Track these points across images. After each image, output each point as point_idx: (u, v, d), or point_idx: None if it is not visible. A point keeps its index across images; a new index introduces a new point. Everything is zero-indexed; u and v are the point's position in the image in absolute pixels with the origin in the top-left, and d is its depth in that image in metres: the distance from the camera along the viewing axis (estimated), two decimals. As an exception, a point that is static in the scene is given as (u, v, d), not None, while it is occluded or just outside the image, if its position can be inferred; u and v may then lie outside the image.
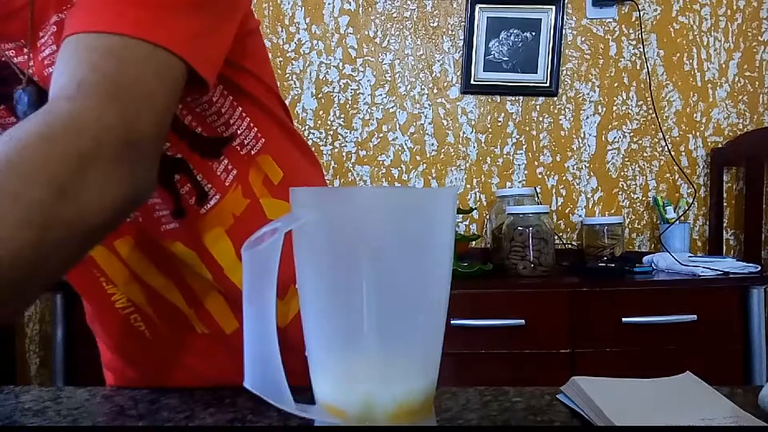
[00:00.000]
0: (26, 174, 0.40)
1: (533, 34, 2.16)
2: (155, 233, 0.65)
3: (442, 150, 2.20)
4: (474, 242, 2.11)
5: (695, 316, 1.65)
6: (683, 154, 2.20)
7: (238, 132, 0.66)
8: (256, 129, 0.67)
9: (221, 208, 0.65)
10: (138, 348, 0.72)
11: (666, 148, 2.17)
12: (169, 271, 0.68)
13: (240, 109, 0.66)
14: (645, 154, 2.20)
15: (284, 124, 0.73)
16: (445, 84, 2.20)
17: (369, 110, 2.20)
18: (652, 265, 1.90)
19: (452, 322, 1.61)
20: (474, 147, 2.20)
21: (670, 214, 2.05)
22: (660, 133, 2.17)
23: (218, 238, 0.66)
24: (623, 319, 1.65)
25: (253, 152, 0.68)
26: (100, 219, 0.43)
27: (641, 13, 2.17)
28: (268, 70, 0.72)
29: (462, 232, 2.19)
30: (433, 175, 2.20)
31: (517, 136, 2.20)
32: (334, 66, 2.20)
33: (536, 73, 2.17)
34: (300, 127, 2.20)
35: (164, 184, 0.63)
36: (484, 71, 2.17)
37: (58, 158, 0.41)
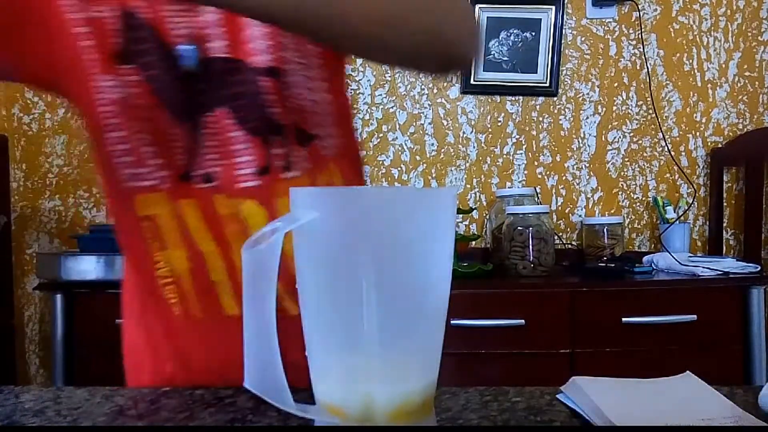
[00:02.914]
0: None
1: (533, 34, 2.16)
2: (228, 191, 0.68)
3: (442, 150, 2.20)
4: (474, 242, 2.11)
5: (695, 316, 1.65)
6: (683, 154, 2.20)
7: (320, 133, 0.71)
8: (335, 138, 0.73)
9: (301, 182, 0.69)
10: (161, 325, 0.74)
11: (666, 148, 2.17)
12: (220, 239, 0.69)
13: (332, 117, 0.72)
14: (645, 154, 2.20)
15: (355, 139, 0.79)
16: (445, 84, 2.20)
17: (369, 110, 2.20)
18: (652, 265, 1.90)
19: (452, 322, 1.61)
20: (474, 147, 2.20)
21: (670, 214, 2.05)
22: (660, 133, 2.17)
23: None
24: (623, 319, 1.65)
25: (327, 156, 0.72)
26: (451, 38, 0.58)
27: (641, 13, 2.17)
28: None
29: (462, 232, 2.19)
30: (433, 175, 2.20)
31: (517, 136, 2.20)
32: (334, 66, 2.20)
33: (536, 73, 2.17)
34: (300, 127, 2.19)
35: (263, 139, 0.67)
36: (484, 71, 2.17)
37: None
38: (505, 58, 2.17)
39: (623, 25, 2.19)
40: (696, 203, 2.18)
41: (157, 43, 0.65)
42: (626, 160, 2.20)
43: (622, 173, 2.20)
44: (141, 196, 0.69)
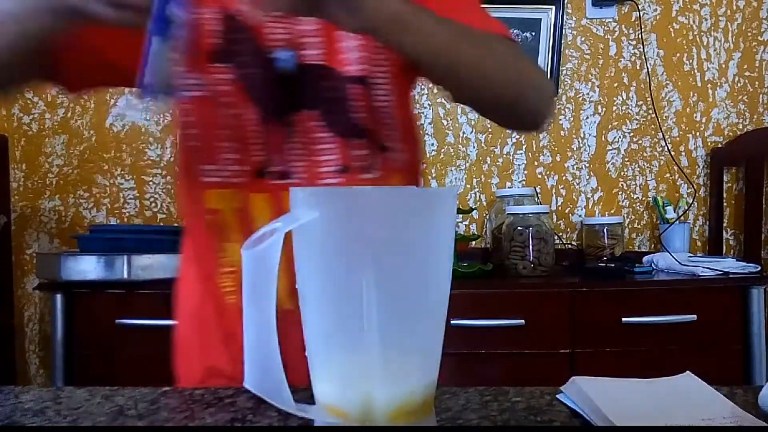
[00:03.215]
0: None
1: (533, 34, 2.16)
2: (314, 185, 0.73)
3: (442, 150, 2.20)
4: (474, 242, 2.11)
5: (695, 316, 1.65)
6: (683, 154, 2.20)
7: (391, 146, 0.76)
8: (404, 153, 0.78)
9: (378, 184, 0.75)
10: (214, 313, 0.77)
11: (666, 148, 2.17)
12: None
13: (401, 132, 0.77)
14: (645, 154, 2.20)
15: (420, 158, 0.84)
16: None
17: (369, 110, 2.20)
18: (652, 265, 1.89)
19: (452, 322, 1.60)
20: (474, 147, 2.20)
21: (670, 214, 2.05)
22: (660, 133, 2.17)
23: None
24: (623, 319, 1.65)
25: (396, 168, 0.77)
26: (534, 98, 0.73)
27: (641, 13, 2.17)
28: None
29: (462, 232, 2.19)
30: (433, 175, 2.20)
31: (517, 136, 2.20)
32: (334, 66, 2.20)
33: (536, 73, 2.17)
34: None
35: (346, 141, 0.73)
36: (484, 71, 2.17)
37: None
38: (505, 58, 2.17)
39: (623, 25, 2.19)
40: (696, 203, 2.18)
41: (254, 45, 0.71)
42: (626, 160, 2.20)
43: (622, 173, 2.20)
44: (210, 191, 0.74)
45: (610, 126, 2.20)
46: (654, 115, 2.16)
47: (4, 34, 0.60)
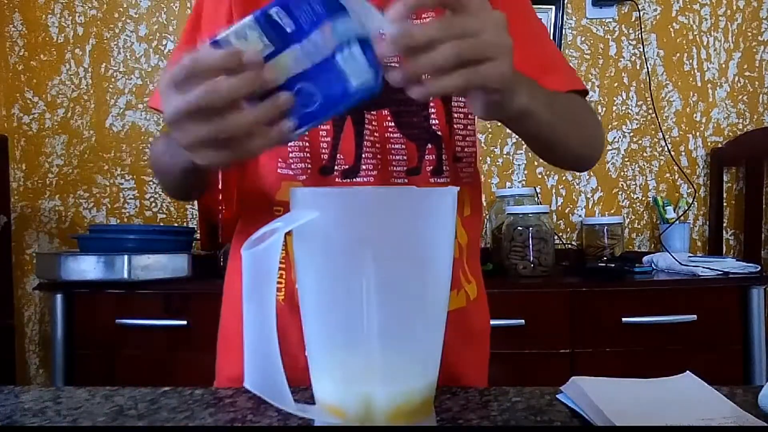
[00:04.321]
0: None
1: (533, 34, 2.16)
2: (383, 184, 0.75)
3: (442, 150, 2.20)
4: (474, 242, 2.11)
5: (695, 316, 1.65)
6: (683, 154, 2.20)
7: (464, 159, 0.78)
8: (471, 167, 0.79)
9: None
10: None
11: (666, 148, 2.16)
12: None
13: (471, 148, 0.80)
14: (645, 154, 2.20)
15: (480, 175, 0.86)
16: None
17: (369, 110, 2.20)
18: (652, 265, 1.89)
19: (452, 322, 1.60)
20: (474, 147, 2.20)
21: (670, 214, 2.05)
22: (660, 133, 2.17)
23: None
24: (623, 319, 1.65)
25: (463, 179, 0.79)
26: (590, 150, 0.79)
27: (641, 13, 2.17)
28: None
29: (462, 232, 2.18)
30: (433, 175, 2.20)
31: (517, 136, 2.20)
32: (334, 66, 2.20)
33: (536, 73, 2.16)
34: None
35: (418, 145, 0.75)
36: (484, 71, 2.17)
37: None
38: (505, 58, 2.17)
39: (623, 25, 2.19)
40: (696, 203, 2.18)
41: None
42: (626, 160, 2.20)
43: (622, 173, 2.20)
44: (283, 183, 0.75)
45: (610, 126, 2.20)
46: (654, 115, 2.16)
47: (169, 173, 0.70)
